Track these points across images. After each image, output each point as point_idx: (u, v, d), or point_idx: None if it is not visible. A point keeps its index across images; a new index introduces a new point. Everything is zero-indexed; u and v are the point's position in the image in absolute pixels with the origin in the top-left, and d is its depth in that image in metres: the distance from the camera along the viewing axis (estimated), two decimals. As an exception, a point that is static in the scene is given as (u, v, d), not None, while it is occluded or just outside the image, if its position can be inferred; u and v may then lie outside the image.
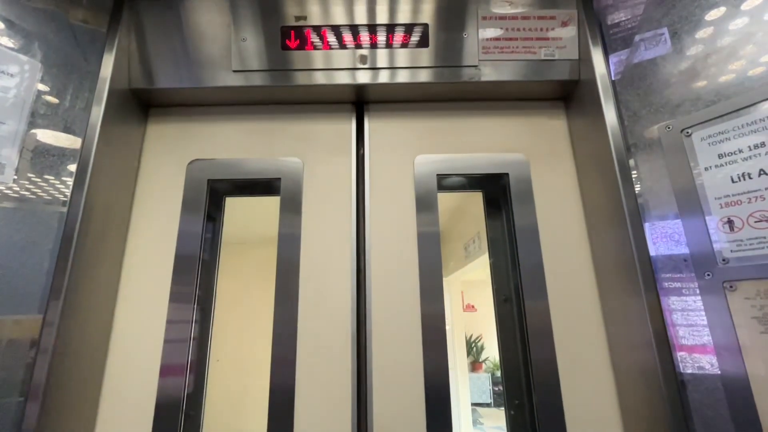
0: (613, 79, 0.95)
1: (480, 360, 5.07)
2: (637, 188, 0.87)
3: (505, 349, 1.02)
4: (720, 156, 0.76)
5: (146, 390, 0.91)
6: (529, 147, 1.08)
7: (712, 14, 0.83)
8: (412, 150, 1.08)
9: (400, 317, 0.95)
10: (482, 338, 5.11)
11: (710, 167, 0.77)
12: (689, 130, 0.80)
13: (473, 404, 4.32)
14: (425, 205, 1.02)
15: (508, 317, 1.03)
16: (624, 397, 0.89)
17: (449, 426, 0.88)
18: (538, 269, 0.97)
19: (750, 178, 0.72)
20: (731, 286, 0.71)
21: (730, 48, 0.79)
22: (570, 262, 0.99)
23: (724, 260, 0.73)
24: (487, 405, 4.67)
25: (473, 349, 5.08)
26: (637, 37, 0.93)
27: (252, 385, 2.58)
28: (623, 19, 0.97)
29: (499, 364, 1.05)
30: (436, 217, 1.02)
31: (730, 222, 0.73)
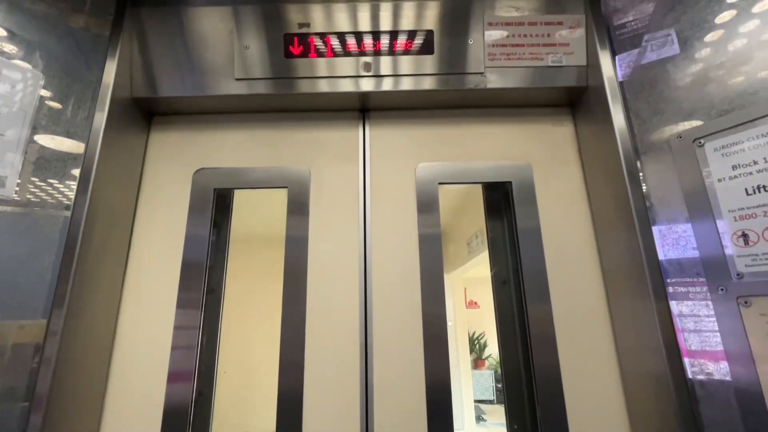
0: (622, 85, 0.93)
1: (483, 357, 5.08)
2: (646, 196, 0.85)
3: (507, 356, 1.01)
4: (734, 167, 0.74)
5: (153, 397, 0.90)
6: (533, 154, 1.06)
7: (724, 17, 0.81)
8: (413, 158, 1.06)
9: (401, 324, 0.94)
10: (485, 335, 5.12)
11: (723, 179, 0.75)
12: (702, 140, 0.78)
13: (476, 401, 4.32)
14: (427, 213, 1.01)
15: (510, 324, 1.01)
16: (632, 403, 0.88)
17: (450, 427, 0.88)
18: (541, 276, 0.96)
19: (765, 190, 0.70)
20: (746, 302, 0.69)
21: (743, 56, 0.77)
22: (576, 269, 0.98)
23: (738, 275, 0.71)
24: (490, 402, 4.67)
25: (476, 346, 5.08)
26: (646, 43, 0.91)
27: (260, 388, 2.58)
28: (632, 24, 0.95)
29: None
30: (438, 225, 1.01)
31: (744, 236, 0.71)
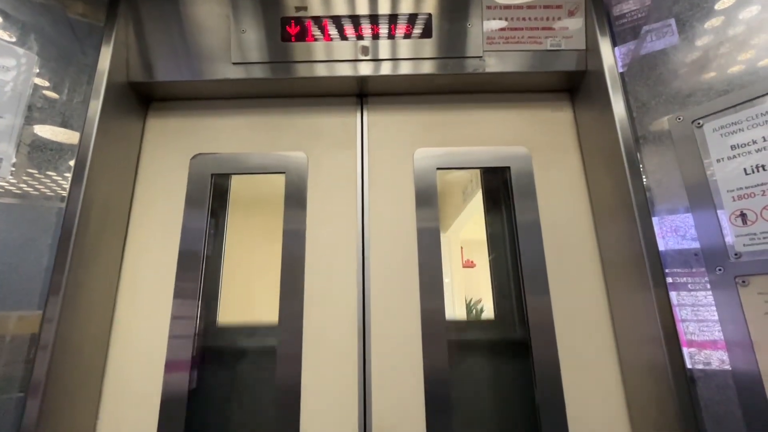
0: (621, 69, 0.93)
1: (480, 324, 5.15)
2: (646, 181, 0.85)
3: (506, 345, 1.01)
4: (732, 147, 0.74)
5: (150, 385, 0.90)
6: (532, 140, 1.06)
7: (723, 2, 0.80)
8: (411, 143, 1.06)
9: (399, 311, 0.94)
10: (482, 302, 5.18)
11: (722, 159, 0.75)
12: (700, 121, 0.78)
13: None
14: (425, 199, 1.01)
15: (509, 314, 1.02)
16: (631, 394, 0.88)
17: (449, 420, 0.88)
18: (540, 264, 0.96)
19: (764, 169, 0.70)
20: (744, 281, 0.70)
21: (742, 37, 0.76)
22: (575, 256, 0.98)
23: (736, 254, 0.71)
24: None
25: (473, 312, 5.15)
26: (646, 27, 0.91)
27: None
28: (631, 8, 0.94)
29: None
30: (436, 211, 1.00)
31: (743, 215, 0.71)
